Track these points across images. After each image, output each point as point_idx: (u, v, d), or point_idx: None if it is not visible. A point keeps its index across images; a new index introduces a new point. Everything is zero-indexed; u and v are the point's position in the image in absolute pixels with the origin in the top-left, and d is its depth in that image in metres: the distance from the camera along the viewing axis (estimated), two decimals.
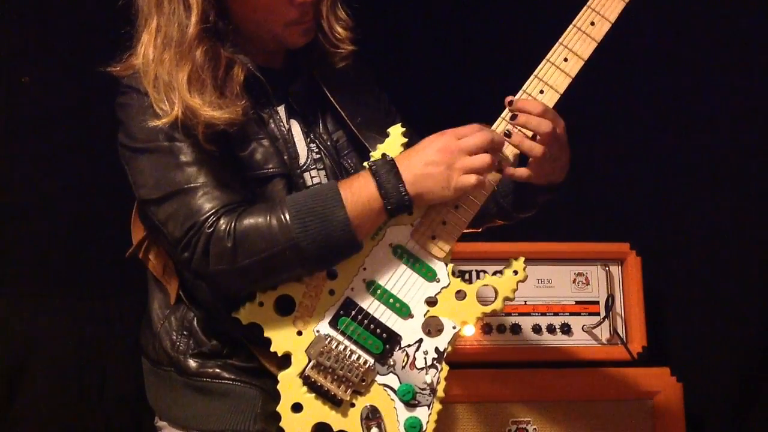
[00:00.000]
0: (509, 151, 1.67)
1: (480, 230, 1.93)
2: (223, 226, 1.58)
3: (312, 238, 1.57)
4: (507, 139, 1.65)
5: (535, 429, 2.34)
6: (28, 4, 2.60)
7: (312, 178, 1.79)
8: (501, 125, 1.66)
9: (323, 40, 1.80)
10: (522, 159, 1.68)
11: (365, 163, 1.66)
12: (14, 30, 2.58)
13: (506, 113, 1.66)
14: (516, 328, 2.45)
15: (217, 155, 1.65)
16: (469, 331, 1.71)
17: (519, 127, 1.65)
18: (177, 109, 1.61)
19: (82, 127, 2.59)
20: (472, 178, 1.60)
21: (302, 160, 1.79)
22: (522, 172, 1.67)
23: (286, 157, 1.75)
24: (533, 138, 1.64)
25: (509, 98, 1.66)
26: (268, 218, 1.58)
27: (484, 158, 1.60)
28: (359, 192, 1.60)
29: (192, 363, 1.75)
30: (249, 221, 1.59)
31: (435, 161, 1.60)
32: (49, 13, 2.61)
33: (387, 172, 1.60)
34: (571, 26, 1.67)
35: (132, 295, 2.25)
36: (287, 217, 1.58)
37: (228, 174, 1.66)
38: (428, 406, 1.64)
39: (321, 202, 1.59)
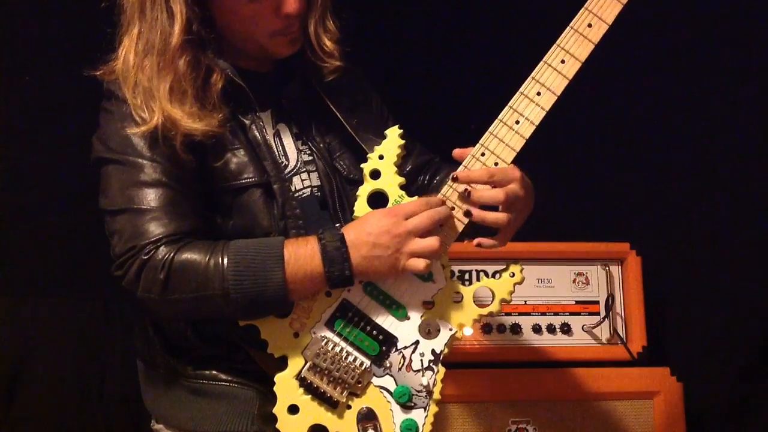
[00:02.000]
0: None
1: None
2: (160, 256, 1.56)
3: (244, 292, 1.56)
4: (470, 216, 1.63)
5: (535, 429, 2.34)
6: (29, 4, 2.60)
7: (302, 180, 1.78)
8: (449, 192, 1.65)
9: (311, 54, 1.78)
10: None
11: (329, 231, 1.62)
12: (14, 30, 2.58)
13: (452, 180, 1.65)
14: (516, 328, 2.44)
15: (185, 174, 1.64)
16: (467, 331, 1.71)
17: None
18: (157, 118, 1.60)
19: (83, 127, 2.58)
20: (420, 264, 1.59)
21: (291, 164, 1.78)
22: (489, 243, 1.66)
23: (268, 163, 1.72)
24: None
25: (453, 174, 1.64)
26: (206, 259, 1.57)
27: (431, 243, 1.59)
28: (304, 260, 1.58)
29: (189, 365, 1.74)
30: (187, 257, 1.57)
31: (383, 244, 1.58)
32: (49, 13, 2.61)
33: (335, 249, 1.58)
34: (568, 28, 1.67)
35: (132, 295, 2.25)
36: (225, 263, 1.56)
37: (187, 200, 1.63)
38: (424, 408, 1.63)
39: (262, 258, 1.57)
